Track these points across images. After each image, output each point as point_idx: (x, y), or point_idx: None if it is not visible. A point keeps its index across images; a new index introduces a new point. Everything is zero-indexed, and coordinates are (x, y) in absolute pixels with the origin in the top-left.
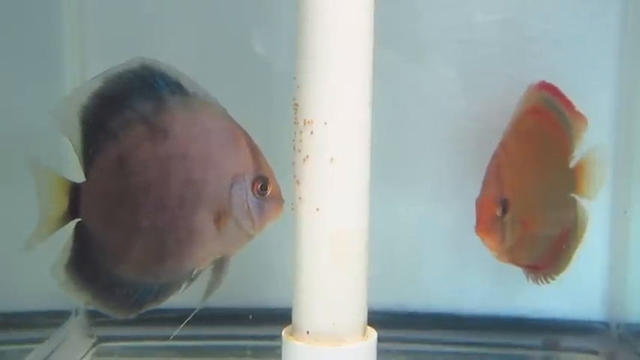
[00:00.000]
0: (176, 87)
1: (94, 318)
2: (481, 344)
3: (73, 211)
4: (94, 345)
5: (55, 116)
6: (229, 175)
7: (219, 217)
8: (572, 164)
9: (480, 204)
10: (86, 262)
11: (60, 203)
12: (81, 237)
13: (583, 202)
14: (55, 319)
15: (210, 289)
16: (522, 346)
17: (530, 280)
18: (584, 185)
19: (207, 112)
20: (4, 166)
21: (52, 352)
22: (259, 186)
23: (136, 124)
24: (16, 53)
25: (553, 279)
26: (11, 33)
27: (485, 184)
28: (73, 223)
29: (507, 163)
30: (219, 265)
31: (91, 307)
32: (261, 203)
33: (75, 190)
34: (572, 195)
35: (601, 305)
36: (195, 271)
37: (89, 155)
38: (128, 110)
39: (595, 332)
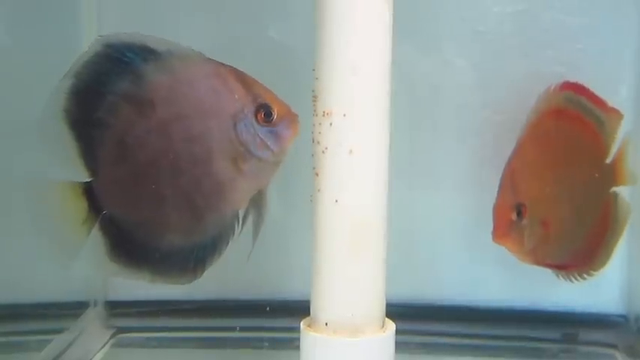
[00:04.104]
0: (146, 52)
1: (113, 309)
2: (498, 337)
3: (95, 210)
4: (112, 336)
5: (40, 129)
6: (228, 116)
7: (237, 160)
8: (609, 159)
9: (496, 210)
10: (129, 247)
11: (80, 208)
12: (112, 227)
13: (625, 195)
14: (73, 310)
15: (257, 227)
16: (540, 339)
17: (562, 279)
18: (625, 174)
19: (185, 65)
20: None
21: (71, 342)
22: (263, 114)
23: (123, 104)
24: (30, 39)
25: (591, 275)
26: (26, 19)
27: (500, 189)
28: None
29: (522, 168)
30: (258, 201)
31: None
32: (273, 129)
33: (89, 190)
34: (613, 190)
35: (619, 298)
36: (239, 214)
37: (89, 152)
38: (109, 94)
39: (613, 325)
